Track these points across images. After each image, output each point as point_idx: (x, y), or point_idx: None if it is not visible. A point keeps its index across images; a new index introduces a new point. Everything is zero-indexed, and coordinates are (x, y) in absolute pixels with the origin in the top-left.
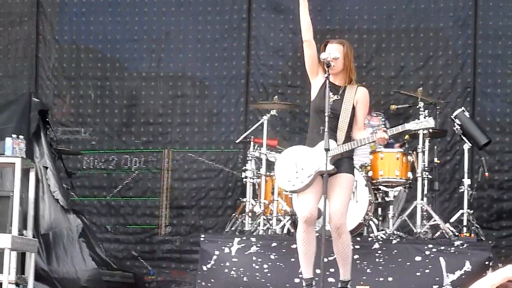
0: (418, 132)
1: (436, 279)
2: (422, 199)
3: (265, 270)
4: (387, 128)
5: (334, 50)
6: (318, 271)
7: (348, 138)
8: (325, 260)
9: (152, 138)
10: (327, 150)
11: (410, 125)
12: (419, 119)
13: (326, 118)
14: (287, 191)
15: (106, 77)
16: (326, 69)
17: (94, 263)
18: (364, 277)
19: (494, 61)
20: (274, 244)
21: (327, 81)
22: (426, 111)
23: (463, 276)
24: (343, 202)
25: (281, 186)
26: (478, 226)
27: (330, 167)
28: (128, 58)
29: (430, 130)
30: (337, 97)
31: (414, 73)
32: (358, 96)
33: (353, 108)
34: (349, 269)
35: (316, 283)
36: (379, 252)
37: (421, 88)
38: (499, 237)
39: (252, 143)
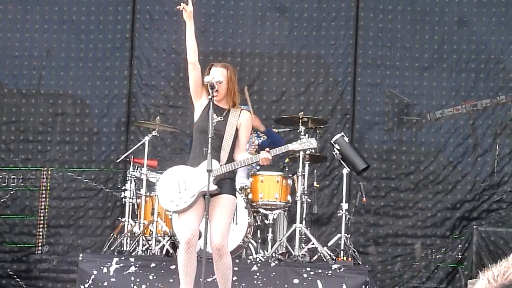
0: (298, 156)
1: None
2: (301, 223)
3: None
4: (258, 134)
5: (218, 74)
6: None
7: (231, 159)
8: (205, 281)
9: (31, 156)
10: (209, 171)
11: (293, 146)
12: (301, 139)
13: (210, 140)
14: (169, 211)
15: None
16: (210, 92)
17: None
18: None
19: (373, 90)
20: (153, 265)
21: (211, 103)
22: (307, 135)
23: None
24: (224, 223)
25: (164, 206)
26: (355, 250)
27: (213, 187)
28: (8, 74)
29: (311, 152)
30: (221, 118)
31: (295, 98)
32: (241, 119)
33: (236, 130)
34: None
35: None
36: (258, 274)
37: (302, 112)
38: (375, 261)
39: (132, 163)
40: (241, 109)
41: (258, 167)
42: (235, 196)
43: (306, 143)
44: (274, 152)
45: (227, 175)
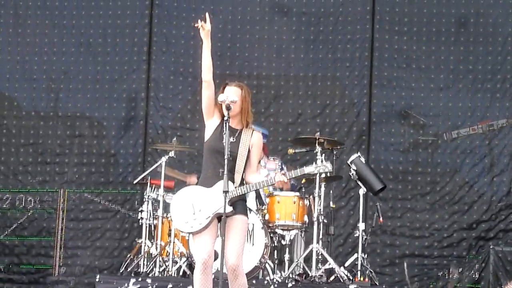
0: (315, 177)
1: None
2: (317, 243)
3: None
4: (282, 167)
5: (232, 93)
6: None
7: (243, 180)
8: None
9: (48, 178)
10: (226, 192)
11: (309, 169)
12: (316, 163)
13: (226, 161)
14: (183, 232)
15: (3, 115)
16: (226, 112)
17: None
18: None
19: (389, 111)
20: (170, 286)
21: (227, 124)
22: (323, 155)
23: None
24: (239, 244)
25: (178, 227)
26: (372, 270)
27: (229, 209)
28: (26, 97)
29: (328, 175)
30: (233, 139)
31: (311, 120)
32: (253, 140)
33: (248, 151)
34: None
35: None
36: None
37: (318, 133)
38: (392, 282)
39: (149, 185)
40: (253, 130)
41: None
42: (247, 216)
43: (321, 167)
44: (290, 175)
45: (240, 196)
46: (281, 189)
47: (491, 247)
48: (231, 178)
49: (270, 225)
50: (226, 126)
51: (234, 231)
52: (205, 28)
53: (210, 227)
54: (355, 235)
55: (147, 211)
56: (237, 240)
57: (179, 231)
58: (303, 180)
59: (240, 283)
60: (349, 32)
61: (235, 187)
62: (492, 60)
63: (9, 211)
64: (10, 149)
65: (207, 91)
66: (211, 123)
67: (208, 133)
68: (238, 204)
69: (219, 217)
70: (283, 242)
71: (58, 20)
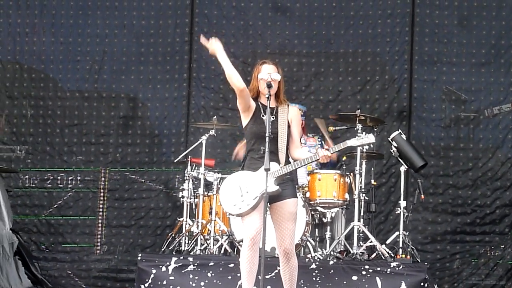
0: (356, 154)
1: None
2: (359, 221)
3: None
4: (322, 144)
5: (274, 72)
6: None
7: (288, 158)
8: (264, 278)
9: (93, 158)
10: (267, 170)
11: (352, 142)
12: (359, 136)
13: (267, 139)
14: (233, 215)
15: (48, 96)
16: (267, 90)
17: (30, 281)
18: None
19: (430, 86)
20: (211, 263)
21: (269, 102)
22: (364, 133)
23: None
24: (293, 228)
25: (227, 210)
26: (413, 248)
27: (275, 187)
28: (70, 78)
29: (368, 149)
30: (273, 117)
31: (351, 97)
32: (291, 115)
33: (288, 127)
34: None
35: None
36: (316, 271)
37: (359, 110)
38: (434, 259)
39: (189, 163)
40: (288, 104)
41: (318, 167)
42: (297, 196)
43: (364, 139)
44: (333, 149)
45: (289, 177)
46: (322, 165)
47: None
48: (275, 158)
49: (311, 202)
50: (268, 103)
51: (286, 215)
52: (209, 48)
53: (259, 207)
54: (396, 212)
55: (188, 190)
56: (290, 224)
57: (220, 209)
58: (344, 158)
59: (292, 264)
60: (390, 7)
61: (281, 167)
62: None
63: (54, 190)
64: (55, 130)
65: (244, 98)
66: (248, 113)
67: (247, 119)
68: (288, 186)
69: (270, 198)
70: (324, 220)
71: (101, 2)
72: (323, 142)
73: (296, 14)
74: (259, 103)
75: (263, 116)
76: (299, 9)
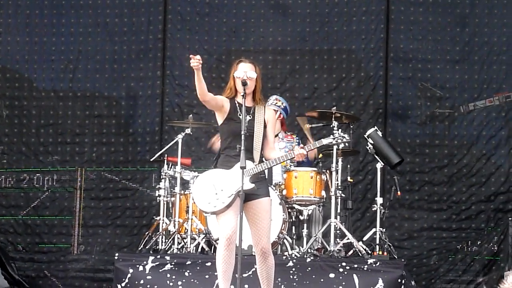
0: (332, 151)
1: None
2: (335, 218)
3: (180, 287)
4: (299, 143)
5: (250, 70)
6: (232, 287)
7: (262, 157)
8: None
9: (68, 157)
10: (243, 168)
11: (327, 140)
12: (334, 134)
13: (243, 137)
14: (207, 213)
15: (23, 96)
16: (242, 88)
17: (6, 282)
18: None
19: (405, 83)
20: (188, 262)
21: (244, 100)
22: (340, 130)
23: None
24: (268, 226)
25: (201, 208)
26: (390, 244)
27: (250, 185)
28: (44, 77)
29: (344, 147)
30: (250, 116)
31: (327, 94)
32: (267, 116)
33: (264, 128)
34: None
35: None
36: (293, 269)
37: (334, 108)
38: (411, 255)
39: (166, 162)
40: (265, 106)
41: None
42: (270, 196)
43: (339, 138)
44: (309, 147)
45: (263, 176)
46: (298, 163)
47: (510, 219)
48: (251, 156)
49: (288, 200)
50: (244, 101)
51: (261, 214)
52: (194, 64)
53: (234, 205)
54: (373, 209)
55: (165, 189)
56: (265, 223)
57: (197, 208)
58: (320, 155)
59: (269, 264)
60: (364, 4)
61: (255, 165)
62: (507, 31)
63: (30, 191)
64: (30, 130)
65: (210, 104)
66: (222, 110)
67: (220, 118)
68: (262, 185)
69: (244, 197)
70: (301, 217)
71: (74, 0)
72: (300, 141)
73: (270, 11)
74: (236, 102)
75: (239, 115)
76: (273, 6)
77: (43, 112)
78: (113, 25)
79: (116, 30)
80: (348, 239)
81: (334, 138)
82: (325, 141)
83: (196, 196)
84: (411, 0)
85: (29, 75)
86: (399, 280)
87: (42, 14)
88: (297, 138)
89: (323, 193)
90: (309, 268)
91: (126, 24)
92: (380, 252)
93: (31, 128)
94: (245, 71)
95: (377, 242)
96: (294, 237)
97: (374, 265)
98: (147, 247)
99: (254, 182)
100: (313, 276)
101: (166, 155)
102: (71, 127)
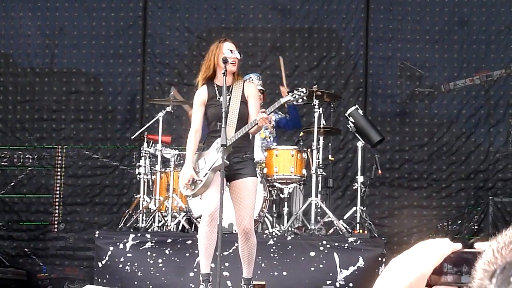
0: (313, 129)
1: (330, 274)
2: (316, 196)
3: (160, 265)
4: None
5: (235, 50)
6: (212, 265)
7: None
8: (221, 254)
9: (46, 135)
10: (223, 145)
11: (285, 99)
12: (292, 91)
13: (223, 114)
14: (189, 196)
15: (0, 73)
16: (223, 66)
17: None
18: (259, 272)
19: (385, 63)
20: (169, 240)
21: (224, 78)
22: (321, 108)
23: (356, 272)
24: (251, 206)
25: (184, 193)
26: (371, 223)
27: (225, 162)
28: (21, 53)
29: (324, 125)
30: (229, 95)
31: (308, 72)
32: (247, 91)
33: (245, 104)
34: (253, 267)
35: (212, 277)
36: (274, 247)
37: (315, 86)
38: (391, 233)
39: (146, 140)
40: (243, 81)
41: (275, 143)
42: (257, 176)
43: (296, 93)
44: (270, 110)
45: (249, 155)
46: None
47: (490, 197)
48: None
49: (269, 178)
50: (224, 79)
51: (245, 193)
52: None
53: (216, 182)
54: (353, 188)
55: (145, 167)
56: (249, 202)
57: (178, 186)
58: (301, 133)
59: (251, 244)
60: None
61: (227, 139)
62: (486, 11)
63: (8, 169)
64: (7, 107)
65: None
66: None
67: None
68: (248, 165)
69: (229, 176)
70: (282, 196)
71: None
72: (278, 115)
73: None
74: (215, 85)
75: (219, 98)
76: None
77: (19, 88)
78: (92, 1)
79: (95, 6)
80: (329, 217)
81: (292, 95)
82: (283, 100)
83: (180, 182)
84: None
85: (5, 50)
86: (380, 259)
87: None
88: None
89: (304, 171)
90: (290, 247)
91: (105, 0)
92: (361, 231)
93: (8, 105)
94: (231, 50)
95: (358, 220)
96: (274, 215)
97: (354, 244)
98: (127, 225)
99: (238, 162)
100: (294, 255)
101: (146, 133)
102: (48, 103)
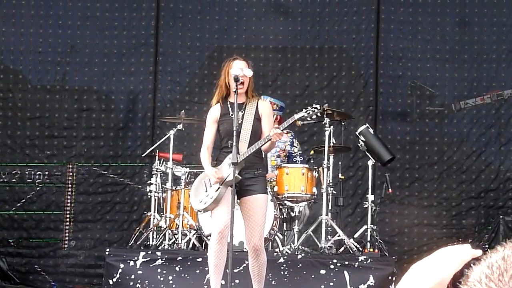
0: (323, 148)
1: None
2: (326, 214)
3: (170, 282)
4: (293, 141)
5: (246, 68)
6: (223, 282)
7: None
8: (232, 272)
9: (56, 152)
10: (234, 164)
11: (299, 114)
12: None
13: (235, 132)
14: (200, 211)
15: (9, 89)
16: (235, 85)
17: None
18: None
19: (395, 82)
20: (179, 258)
21: (236, 96)
22: (331, 127)
23: None
24: (261, 223)
25: (194, 207)
26: (381, 241)
27: (237, 178)
28: (32, 70)
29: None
30: (242, 112)
31: (318, 92)
32: (261, 109)
33: (258, 121)
34: (263, 285)
35: None
36: (284, 265)
37: (326, 105)
38: (401, 251)
39: (157, 157)
40: (257, 99)
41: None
42: (267, 193)
43: (310, 109)
44: (283, 126)
45: (260, 172)
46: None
47: (500, 216)
48: (238, 150)
49: (279, 196)
50: (236, 97)
51: (256, 210)
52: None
53: (227, 199)
54: (364, 206)
55: (156, 184)
56: (259, 220)
57: (188, 204)
58: (312, 152)
59: (261, 261)
60: (355, 4)
61: (238, 155)
62: (497, 30)
63: (18, 186)
64: (16, 123)
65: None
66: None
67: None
68: (258, 182)
69: (240, 193)
70: (292, 214)
71: None
72: (294, 138)
73: (262, 10)
74: (228, 103)
75: (231, 114)
76: (265, 5)
77: (29, 105)
78: (104, 19)
79: (107, 24)
80: (339, 236)
81: (306, 111)
82: (297, 115)
83: (191, 197)
84: (401, 1)
85: (15, 67)
86: (390, 277)
87: (28, 5)
88: (291, 136)
89: (315, 189)
90: (300, 265)
91: (117, 19)
92: (371, 249)
93: (17, 121)
94: (241, 68)
95: (368, 239)
96: (285, 234)
97: (365, 262)
98: (137, 243)
99: (249, 178)
100: (304, 272)
101: (157, 150)
102: (60, 120)
